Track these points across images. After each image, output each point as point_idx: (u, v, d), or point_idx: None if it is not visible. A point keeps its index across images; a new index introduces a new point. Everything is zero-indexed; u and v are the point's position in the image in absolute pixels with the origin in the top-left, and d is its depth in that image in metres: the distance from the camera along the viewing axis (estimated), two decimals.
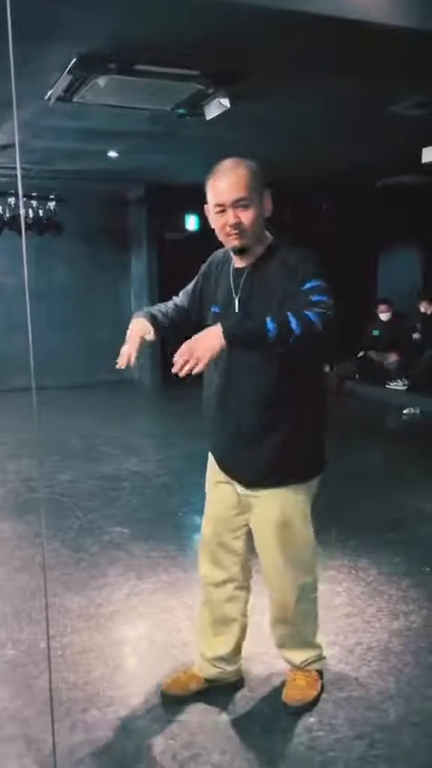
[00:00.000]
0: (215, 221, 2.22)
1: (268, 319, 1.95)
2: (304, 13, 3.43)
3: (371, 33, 3.71)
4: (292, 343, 1.94)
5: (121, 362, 2.22)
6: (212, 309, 2.34)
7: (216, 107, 4.88)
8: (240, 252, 2.24)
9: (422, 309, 8.94)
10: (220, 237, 2.26)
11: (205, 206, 2.26)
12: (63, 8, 3.39)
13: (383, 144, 6.85)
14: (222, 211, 2.18)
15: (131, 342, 2.26)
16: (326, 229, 9.24)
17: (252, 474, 2.34)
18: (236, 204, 2.16)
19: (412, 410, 7.89)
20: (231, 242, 2.22)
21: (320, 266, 2.16)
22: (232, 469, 2.38)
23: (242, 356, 2.18)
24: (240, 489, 2.38)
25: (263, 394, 2.23)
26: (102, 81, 4.33)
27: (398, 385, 8.63)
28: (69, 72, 4.25)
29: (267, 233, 2.27)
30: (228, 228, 2.18)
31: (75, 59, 4.08)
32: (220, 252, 2.43)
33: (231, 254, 2.30)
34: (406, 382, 8.57)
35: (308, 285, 2.09)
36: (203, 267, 2.47)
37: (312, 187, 8.66)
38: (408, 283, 10.04)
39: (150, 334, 2.28)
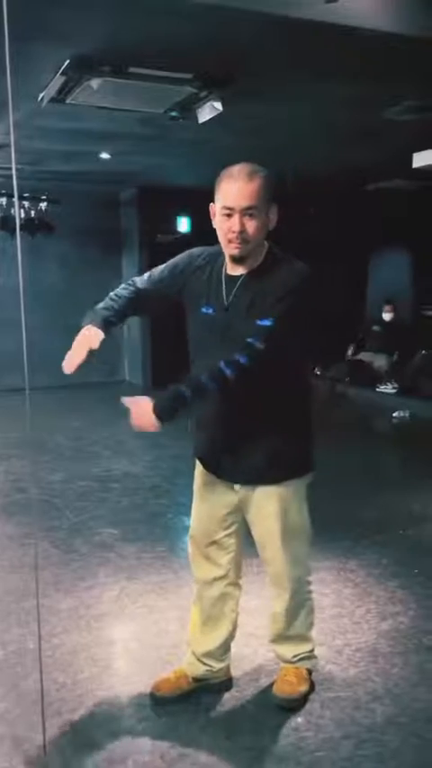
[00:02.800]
0: (220, 223, 2.21)
1: (183, 388, 2.12)
2: (298, 19, 3.45)
3: (365, 39, 3.73)
4: (208, 395, 2.14)
5: (66, 368, 2.18)
6: (203, 310, 2.31)
7: (209, 110, 4.88)
8: (238, 260, 2.24)
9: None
10: (221, 241, 2.24)
11: (210, 205, 2.24)
12: (57, 10, 3.40)
13: (375, 148, 6.88)
14: (229, 215, 2.17)
15: (77, 351, 2.18)
16: (315, 233, 9.26)
17: (246, 476, 2.36)
18: (244, 212, 2.15)
19: (402, 413, 7.92)
20: (231, 249, 2.21)
21: (294, 297, 2.16)
22: (225, 473, 2.40)
23: None
24: (238, 487, 2.40)
25: (254, 398, 2.24)
26: (95, 83, 4.32)
27: (387, 388, 8.69)
28: (62, 73, 4.24)
29: (265, 242, 2.27)
30: (231, 234, 2.17)
31: (68, 61, 4.08)
32: (204, 251, 2.38)
33: (226, 258, 2.28)
34: (396, 385, 8.62)
35: (259, 323, 2.14)
36: (185, 261, 2.39)
37: (303, 190, 8.68)
38: (399, 287, 10.08)
39: (97, 343, 2.20)
